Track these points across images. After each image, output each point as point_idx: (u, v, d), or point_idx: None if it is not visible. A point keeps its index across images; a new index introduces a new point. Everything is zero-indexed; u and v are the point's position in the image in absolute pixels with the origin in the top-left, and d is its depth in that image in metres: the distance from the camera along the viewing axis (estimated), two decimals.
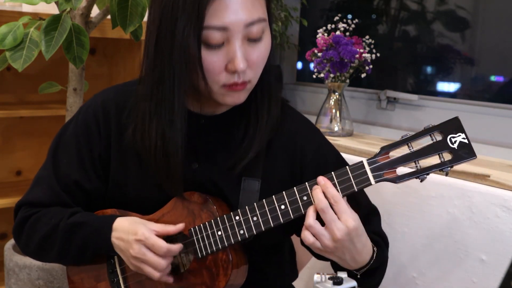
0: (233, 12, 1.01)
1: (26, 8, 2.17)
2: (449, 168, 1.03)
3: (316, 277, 1.31)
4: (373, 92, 2.08)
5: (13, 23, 1.67)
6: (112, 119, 1.22)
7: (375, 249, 1.15)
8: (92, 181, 1.24)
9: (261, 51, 1.08)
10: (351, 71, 1.90)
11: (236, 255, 1.16)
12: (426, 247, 1.51)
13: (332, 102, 1.97)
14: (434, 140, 1.03)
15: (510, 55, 1.78)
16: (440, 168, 1.03)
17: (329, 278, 1.30)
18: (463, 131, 1.03)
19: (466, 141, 1.02)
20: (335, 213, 1.05)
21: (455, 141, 1.02)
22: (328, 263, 1.23)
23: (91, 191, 1.25)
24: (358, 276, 1.15)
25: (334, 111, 1.96)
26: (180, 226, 1.15)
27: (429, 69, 2.04)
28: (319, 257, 1.19)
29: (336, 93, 1.96)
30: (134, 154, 1.19)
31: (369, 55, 1.87)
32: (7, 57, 1.64)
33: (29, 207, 1.26)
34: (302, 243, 1.15)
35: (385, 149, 1.06)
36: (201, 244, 1.15)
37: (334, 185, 1.06)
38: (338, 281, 1.28)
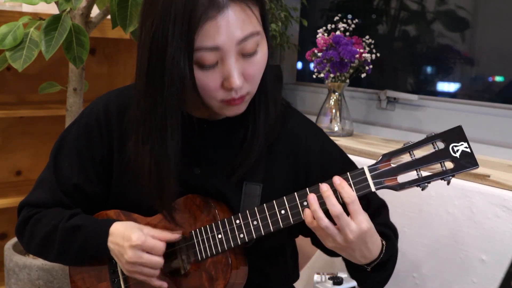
0: (224, 31, 0.99)
1: (26, 8, 2.17)
2: (450, 177, 1.02)
3: (316, 277, 1.31)
4: (373, 92, 2.08)
5: (13, 23, 1.67)
6: (114, 123, 1.22)
7: (383, 243, 1.15)
8: (93, 184, 1.25)
9: (257, 64, 1.06)
10: (351, 71, 1.90)
11: (235, 258, 1.16)
12: (426, 247, 1.51)
13: (332, 102, 1.97)
14: (436, 149, 1.02)
15: (510, 55, 1.78)
16: (442, 177, 1.02)
17: (329, 278, 1.30)
18: (465, 140, 1.02)
19: (468, 150, 1.01)
20: (350, 214, 1.04)
21: (457, 150, 1.02)
22: (330, 262, 1.23)
23: (92, 195, 1.25)
24: (368, 270, 1.14)
25: (334, 111, 1.96)
26: (176, 235, 1.16)
27: (429, 69, 2.04)
28: (329, 252, 1.20)
29: (336, 93, 1.96)
30: None
31: (369, 55, 1.87)
32: (7, 57, 1.64)
33: (31, 208, 1.27)
34: (313, 241, 1.14)
35: (387, 156, 1.05)
36: (201, 247, 1.15)
37: (334, 190, 1.05)
38: (338, 281, 1.28)
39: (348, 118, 1.98)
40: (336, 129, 1.96)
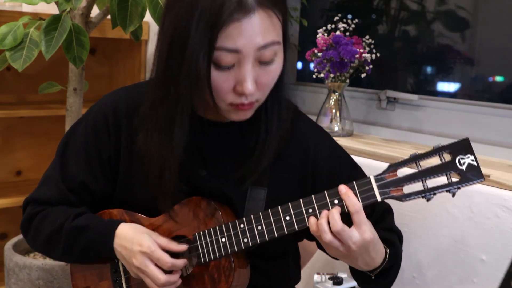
0: (247, 35, 0.99)
1: (26, 8, 2.17)
2: (456, 190, 1.03)
3: (316, 277, 1.32)
4: (373, 92, 2.08)
5: (13, 23, 1.67)
6: (123, 121, 1.21)
7: (387, 250, 1.15)
8: (99, 182, 1.24)
9: (271, 74, 1.07)
10: (351, 71, 1.90)
11: (238, 262, 1.16)
12: (426, 247, 1.52)
13: (332, 102, 1.97)
14: (443, 160, 1.03)
15: (510, 55, 1.78)
16: (447, 189, 1.03)
17: (329, 278, 1.30)
18: (472, 153, 1.02)
19: (475, 163, 1.02)
20: (353, 223, 1.04)
21: (464, 163, 1.02)
22: (330, 262, 1.23)
23: (98, 192, 1.25)
24: (373, 278, 1.15)
25: (334, 111, 1.96)
26: (183, 247, 1.15)
27: (429, 69, 2.04)
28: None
29: (336, 93, 1.96)
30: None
31: (369, 55, 1.87)
32: (7, 57, 1.64)
33: (36, 204, 1.27)
34: (318, 245, 1.16)
35: (393, 167, 1.05)
36: (205, 250, 1.15)
37: (340, 199, 1.05)
38: (338, 281, 1.28)
39: (348, 118, 1.98)
40: (336, 129, 1.96)
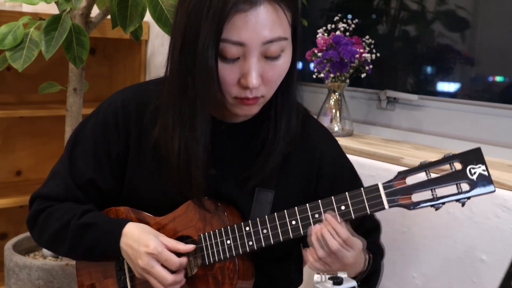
0: (252, 29, 0.99)
1: (26, 8, 2.17)
2: (466, 200, 1.01)
3: (316, 277, 1.31)
4: (373, 92, 2.08)
5: (13, 23, 1.67)
6: (132, 119, 1.21)
7: (368, 256, 1.17)
8: (107, 180, 1.24)
9: (277, 69, 1.06)
10: (351, 71, 1.90)
11: (243, 264, 1.16)
12: (426, 247, 1.52)
13: (332, 102, 1.97)
14: (453, 169, 1.01)
15: (510, 55, 1.78)
16: (457, 198, 1.01)
17: (329, 278, 1.30)
18: (484, 163, 1.00)
19: (486, 173, 1.00)
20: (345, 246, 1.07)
21: (475, 172, 1.00)
22: None
23: (105, 190, 1.25)
24: (358, 283, 1.16)
25: (334, 111, 1.96)
26: (190, 247, 1.15)
27: (429, 69, 2.04)
28: None
29: (336, 93, 1.96)
30: (152, 156, 1.19)
31: (369, 55, 1.86)
32: (7, 57, 1.64)
33: (43, 200, 1.27)
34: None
35: (402, 174, 1.04)
36: (209, 251, 1.15)
37: (347, 206, 1.06)
38: (338, 281, 1.28)
39: (348, 118, 1.98)
40: (336, 129, 1.96)
